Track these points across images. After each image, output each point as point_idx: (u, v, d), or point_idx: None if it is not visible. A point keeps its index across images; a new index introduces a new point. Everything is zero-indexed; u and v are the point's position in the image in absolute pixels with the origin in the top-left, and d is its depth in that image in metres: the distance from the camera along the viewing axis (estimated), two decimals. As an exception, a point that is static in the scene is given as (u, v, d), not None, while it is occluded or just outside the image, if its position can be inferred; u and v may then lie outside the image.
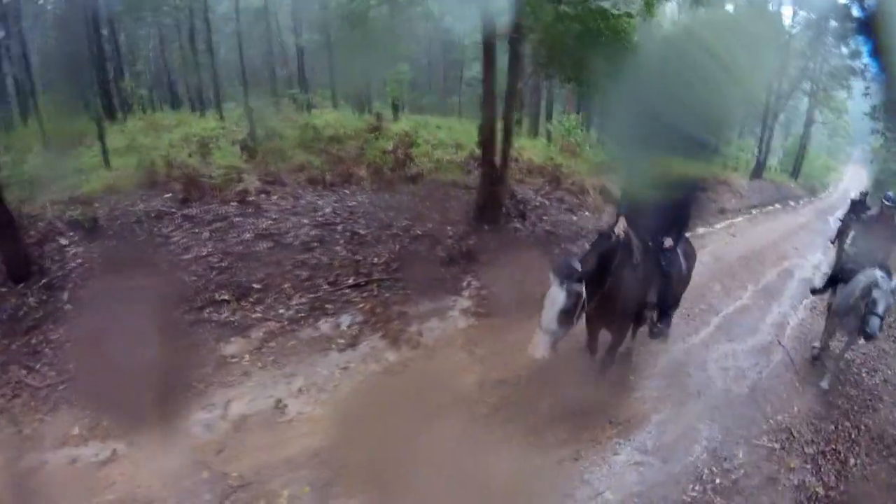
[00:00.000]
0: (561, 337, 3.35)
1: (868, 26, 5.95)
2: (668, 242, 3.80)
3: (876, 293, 4.09)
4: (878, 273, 4.22)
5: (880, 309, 4.04)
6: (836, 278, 4.75)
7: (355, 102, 7.98)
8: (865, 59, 7.08)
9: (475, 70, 8.50)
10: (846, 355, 4.56)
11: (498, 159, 5.55)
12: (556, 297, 3.29)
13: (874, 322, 4.01)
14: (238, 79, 7.86)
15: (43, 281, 4.69)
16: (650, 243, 3.78)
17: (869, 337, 4.11)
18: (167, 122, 7.03)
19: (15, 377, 4.19)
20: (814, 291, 5.22)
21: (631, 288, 3.67)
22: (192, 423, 3.81)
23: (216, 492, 3.38)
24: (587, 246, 3.87)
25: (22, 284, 4.65)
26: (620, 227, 3.62)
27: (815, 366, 4.58)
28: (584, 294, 3.33)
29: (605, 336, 3.91)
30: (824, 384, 4.35)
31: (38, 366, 4.26)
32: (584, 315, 3.48)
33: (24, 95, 6.60)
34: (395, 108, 7.52)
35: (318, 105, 7.78)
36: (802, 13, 7.36)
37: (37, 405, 4.02)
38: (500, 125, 5.53)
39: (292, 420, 3.77)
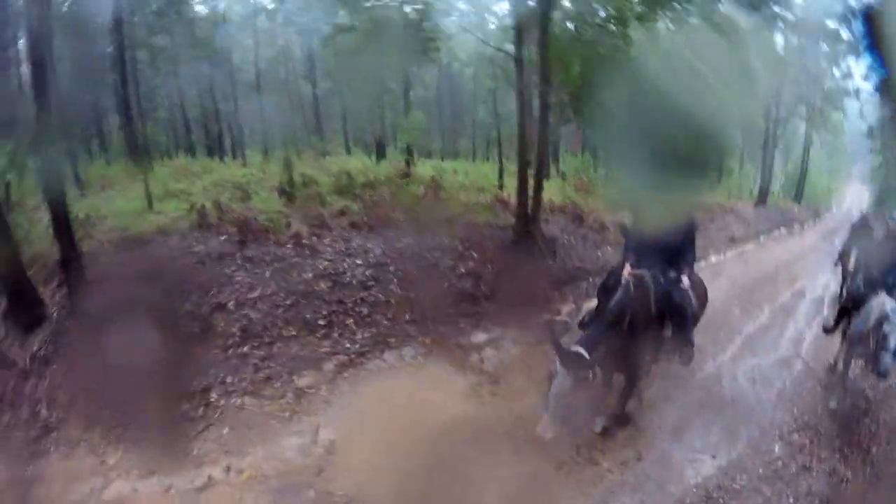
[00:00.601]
0: (571, 416, 3.90)
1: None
2: (685, 282, 4.49)
3: (887, 327, 4.34)
4: (889, 305, 4.45)
5: (892, 344, 4.30)
6: (847, 309, 5.14)
7: (369, 148, 8.92)
8: (858, 81, 7.94)
9: (481, 114, 9.62)
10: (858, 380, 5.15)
11: (530, 202, 6.60)
12: (565, 384, 3.78)
13: (886, 359, 4.32)
14: (254, 126, 8.76)
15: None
16: (661, 280, 4.40)
17: (882, 375, 4.41)
18: (194, 168, 7.83)
19: (87, 410, 4.74)
20: (827, 330, 5.52)
21: (644, 334, 4.20)
22: (284, 448, 4.52)
23: (326, 509, 4.10)
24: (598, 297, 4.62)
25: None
26: (627, 271, 4.32)
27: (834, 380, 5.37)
28: (592, 376, 3.84)
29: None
30: (833, 404, 4.96)
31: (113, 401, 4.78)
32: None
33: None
34: (410, 154, 8.48)
35: (331, 152, 8.72)
36: (795, 39, 8.18)
37: (118, 437, 4.57)
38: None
39: (379, 440, 4.51)
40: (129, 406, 4.65)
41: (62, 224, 5.52)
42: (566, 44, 6.78)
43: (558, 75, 6.27)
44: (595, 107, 6.63)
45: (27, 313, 5.33)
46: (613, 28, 6.93)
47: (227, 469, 4.40)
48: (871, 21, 5.54)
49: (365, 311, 5.61)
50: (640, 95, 6.36)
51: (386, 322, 5.58)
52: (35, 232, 5.80)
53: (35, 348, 5.19)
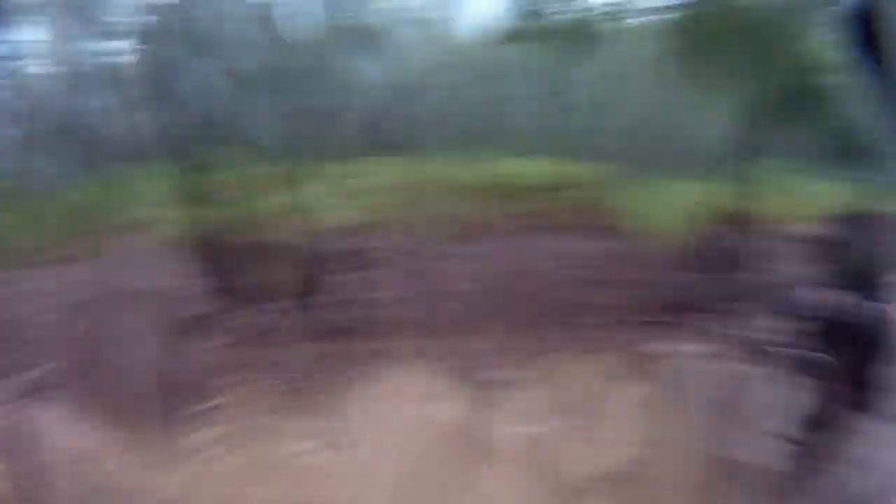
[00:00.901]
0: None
1: None
2: (883, 307, 4.26)
3: None
4: None
5: None
6: None
7: (522, 151, 9.31)
8: None
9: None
10: None
11: (707, 210, 6.79)
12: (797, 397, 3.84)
13: None
14: (428, 126, 9.40)
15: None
16: (848, 305, 4.28)
17: None
18: (370, 167, 8.53)
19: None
20: None
21: (822, 370, 4.15)
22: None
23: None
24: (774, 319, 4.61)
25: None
26: (807, 292, 4.32)
27: None
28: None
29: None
30: None
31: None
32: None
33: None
34: (571, 158, 8.75)
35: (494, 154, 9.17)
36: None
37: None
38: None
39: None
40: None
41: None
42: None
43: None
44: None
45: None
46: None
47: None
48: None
49: (557, 312, 6.15)
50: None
51: (576, 324, 6.09)
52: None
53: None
